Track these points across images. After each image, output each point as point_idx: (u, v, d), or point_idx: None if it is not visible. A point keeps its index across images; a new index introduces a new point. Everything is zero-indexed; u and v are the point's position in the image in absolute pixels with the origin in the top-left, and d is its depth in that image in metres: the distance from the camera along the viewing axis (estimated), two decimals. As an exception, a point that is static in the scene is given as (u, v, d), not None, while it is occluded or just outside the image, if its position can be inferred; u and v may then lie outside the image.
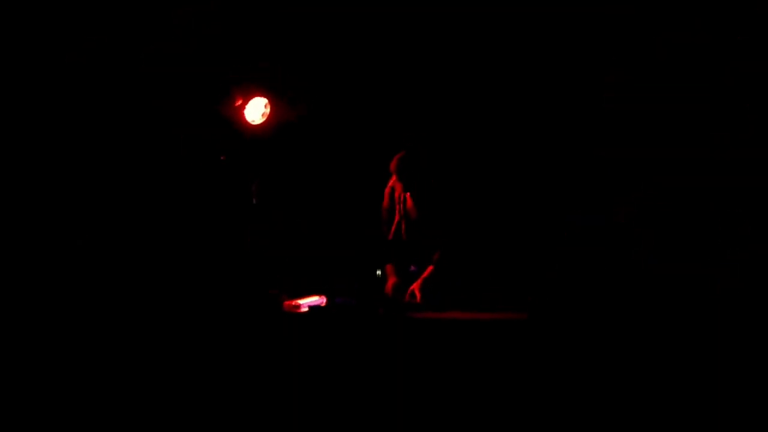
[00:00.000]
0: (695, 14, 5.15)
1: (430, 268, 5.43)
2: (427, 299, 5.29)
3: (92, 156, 5.83)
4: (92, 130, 5.83)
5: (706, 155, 4.99)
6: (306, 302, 5.09)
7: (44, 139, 5.73)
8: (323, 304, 5.18)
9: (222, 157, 6.03)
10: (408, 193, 5.53)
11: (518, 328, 4.54)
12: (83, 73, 5.79)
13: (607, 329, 4.46)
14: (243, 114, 5.87)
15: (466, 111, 6.18)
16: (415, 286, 5.40)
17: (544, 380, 4.41)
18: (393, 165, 5.47)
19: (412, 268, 5.61)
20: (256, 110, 5.91)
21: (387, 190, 5.71)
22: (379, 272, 5.66)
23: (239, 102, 5.86)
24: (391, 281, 5.59)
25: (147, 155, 5.94)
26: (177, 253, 5.77)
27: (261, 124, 5.90)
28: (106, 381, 4.96)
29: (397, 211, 5.60)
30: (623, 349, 4.39)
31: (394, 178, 5.56)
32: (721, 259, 4.81)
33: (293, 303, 5.04)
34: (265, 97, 5.91)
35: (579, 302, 4.66)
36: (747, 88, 4.98)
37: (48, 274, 5.49)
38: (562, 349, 4.43)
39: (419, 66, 6.21)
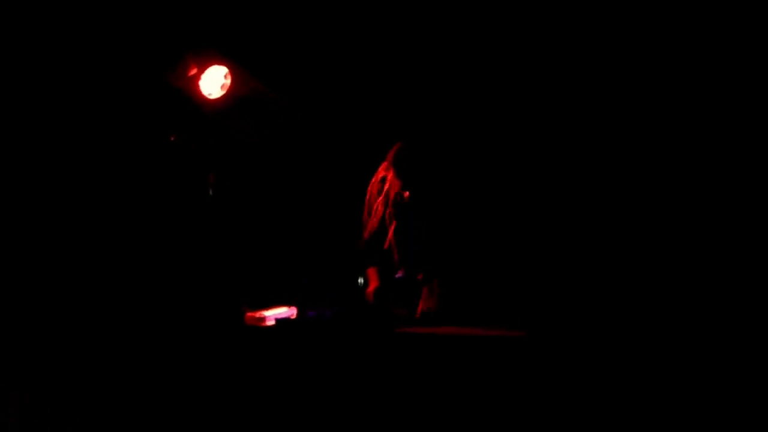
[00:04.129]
0: (695, 14, 5.21)
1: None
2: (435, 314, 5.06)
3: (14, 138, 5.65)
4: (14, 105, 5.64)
5: (706, 155, 5.13)
6: (272, 314, 4.87)
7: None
8: (293, 317, 4.93)
9: (172, 138, 5.79)
10: (406, 192, 5.15)
11: (517, 345, 4.36)
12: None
13: (607, 332, 4.46)
14: (198, 86, 5.73)
15: (455, 111, 5.86)
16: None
17: (543, 398, 4.25)
18: (391, 157, 5.14)
19: (399, 274, 5.31)
20: (214, 81, 5.75)
21: (373, 185, 5.34)
22: (361, 280, 5.45)
23: (193, 71, 5.69)
24: (373, 285, 5.33)
25: (83, 135, 5.73)
26: (116, 254, 5.65)
27: (219, 98, 5.74)
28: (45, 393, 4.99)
29: (386, 213, 5.26)
30: (623, 355, 4.34)
31: (382, 171, 5.26)
32: (721, 258, 4.98)
33: (257, 315, 4.84)
34: (224, 65, 5.75)
35: (579, 308, 4.81)
36: (747, 88, 5.11)
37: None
38: (561, 361, 4.32)
39: (407, 47, 5.88)
